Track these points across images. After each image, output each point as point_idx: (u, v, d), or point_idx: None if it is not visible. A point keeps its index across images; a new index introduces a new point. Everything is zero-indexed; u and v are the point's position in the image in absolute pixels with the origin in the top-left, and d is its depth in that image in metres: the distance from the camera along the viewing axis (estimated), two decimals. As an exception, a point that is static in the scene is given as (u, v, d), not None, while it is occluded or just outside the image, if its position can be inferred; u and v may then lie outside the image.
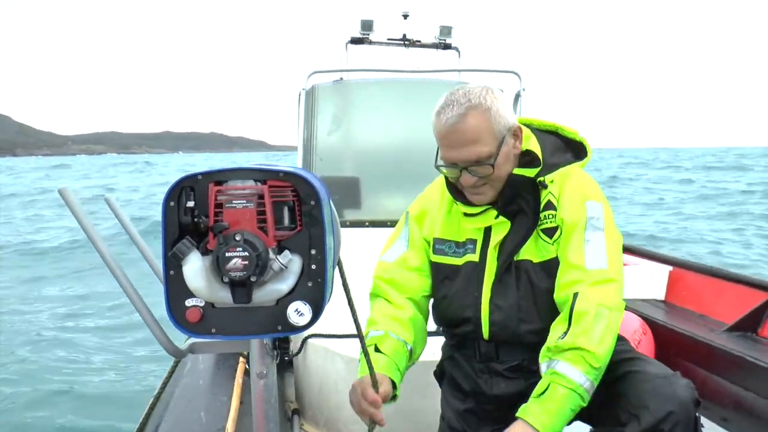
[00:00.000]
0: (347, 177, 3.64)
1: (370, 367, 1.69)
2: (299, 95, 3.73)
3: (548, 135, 1.96)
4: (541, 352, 1.74)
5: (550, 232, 1.83)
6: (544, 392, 1.66)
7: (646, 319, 3.68)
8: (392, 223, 3.14)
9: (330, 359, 2.74)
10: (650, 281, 4.19)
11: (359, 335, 1.60)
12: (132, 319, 8.00)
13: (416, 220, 2.03)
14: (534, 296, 1.84)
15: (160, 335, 1.35)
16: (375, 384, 1.73)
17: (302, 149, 3.56)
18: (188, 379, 2.69)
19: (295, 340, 3.05)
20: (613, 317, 1.70)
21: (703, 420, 3.09)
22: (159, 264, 1.32)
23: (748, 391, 2.96)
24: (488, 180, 1.81)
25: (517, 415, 1.67)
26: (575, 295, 1.72)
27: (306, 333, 2.86)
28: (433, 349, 2.44)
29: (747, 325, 3.41)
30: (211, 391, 2.56)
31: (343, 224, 3.08)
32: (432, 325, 2.08)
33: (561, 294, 1.78)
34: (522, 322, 1.86)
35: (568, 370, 1.66)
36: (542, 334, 1.82)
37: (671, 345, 3.36)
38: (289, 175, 1.27)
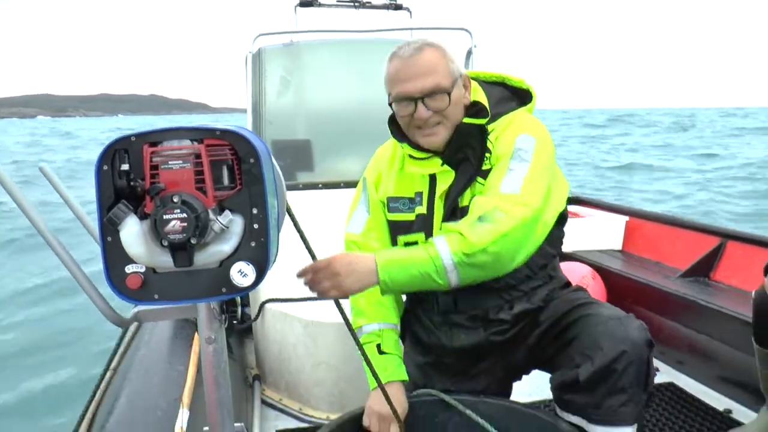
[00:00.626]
0: (299, 140, 3.60)
1: (390, 404, 1.74)
2: (246, 58, 3.66)
3: (495, 86, 1.96)
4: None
5: (485, 174, 1.82)
6: (410, 245, 1.74)
7: (603, 269, 3.74)
8: (346, 185, 3.13)
9: (288, 323, 2.74)
10: (607, 232, 4.25)
11: (363, 355, 1.69)
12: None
13: (374, 184, 2.02)
14: None
15: (102, 305, 1.32)
16: (401, 424, 1.80)
17: (251, 113, 3.50)
18: (145, 351, 2.65)
19: (253, 305, 3.03)
20: (506, 222, 1.63)
21: (660, 364, 3.17)
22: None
23: (701, 334, 3.04)
24: (442, 117, 1.79)
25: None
26: (474, 197, 1.76)
27: (263, 297, 2.85)
28: None
29: (700, 270, 3.50)
30: (168, 361, 2.53)
31: (297, 187, 3.05)
32: None
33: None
34: None
35: (439, 241, 1.64)
36: (498, 279, 1.83)
37: (627, 293, 3.42)
38: (226, 134, 1.24)
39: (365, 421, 1.81)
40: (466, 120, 1.83)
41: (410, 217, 1.93)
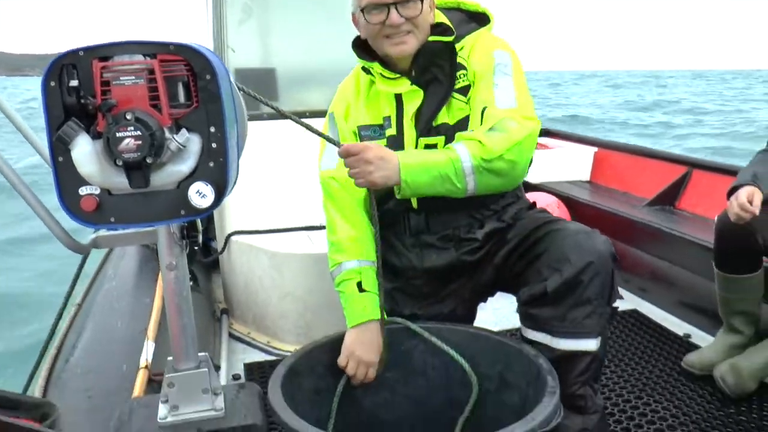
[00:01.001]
0: (263, 68, 3.50)
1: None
2: None
3: (451, 11, 1.96)
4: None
5: (464, 91, 1.83)
6: (430, 147, 1.76)
7: (570, 199, 3.76)
8: (311, 114, 3.05)
9: (254, 255, 2.71)
10: (576, 163, 4.26)
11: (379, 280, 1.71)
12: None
13: (343, 117, 1.98)
14: None
15: (58, 230, 1.28)
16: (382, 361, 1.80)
17: (213, 40, 3.39)
18: (109, 285, 2.62)
19: (219, 239, 3.00)
20: (517, 131, 1.70)
21: (624, 292, 3.23)
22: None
23: (663, 261, 3.09)
24: (413, 26, 1.79)
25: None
26: (484, 108, 1.76)
27: (229, 230, 2.81)
28: None
29: (665, 199, 3.54)
30: (133, 295, 2.51)
31: (260, 117, 2.97)
32: None
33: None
34: None
35: (459, 146, 1.69)
36: (469, 198, 1.83)
37: (594, 222, 3.43)
38: (180, 48, 1.18)
39: (341, 362, 1.80)
40: (433, 38, 1.83)
41: (381, 142, 1.90)
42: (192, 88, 1.19)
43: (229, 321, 2.93)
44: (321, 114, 2.10)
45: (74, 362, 1.91)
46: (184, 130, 1.18)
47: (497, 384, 1.78)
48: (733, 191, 2.14)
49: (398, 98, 1.87)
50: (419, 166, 1.67)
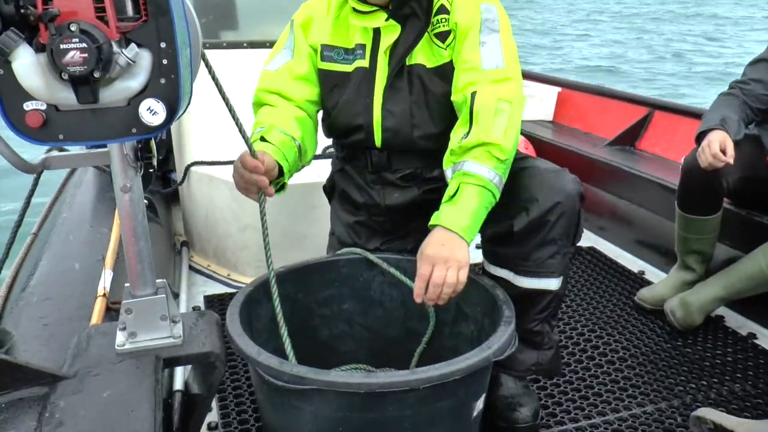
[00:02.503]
0: None
1: (246, 140, 1.57)
2: None
3: None
4: (444, 158, 1.70)
5: (443, 36, 1.77)
6: (455, 194, 1.61)
7: (533, 138, 3.77)
8: (271, 44, 2.97)
9: (215, 187, 2.67)
10: (539, 103, 4.25)
11: (235, 120, 1.51)
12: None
13: (302, 27, 1.90)
14: (427, 101, 1.81)
15: (6, 150, 1.22)
16: (253, 153, 1.62)
17: None
18: (67, 214, 2.56)
19: (179, 170, 2.94)
20: (514, 111, 1.67)
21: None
22: None
23: (621, 199, 3.14)
24: None
25: (431, 224, 1.61)
26: (473, 94, 1.68)
27: (188, 161, 2.76)
28: (319, 171, 2.41)
29: (626, 139, 3.57)
30: (91, 224, 2.45)
31: (220, 46, 2.88)
32: (318, 148, 2.02)
33: (458, 96, 1.74)
34: (415, 128, 1.83)
35: (476, 167, 1.61)
36: (435, 140, 1.82)
37: (556, 161, 3.45)
38: None
39: (234, 178, 1.69)
40: None
41: (346, 68, 1.85)
42: (140, 0, 1.13)
43: (189, 254, 2.91)
44: (282, 45, 2.03)
45: (30, 291, 1.87)
46: (133, 45, 1.13)
47: (454, 315, 1.80)
48: (701, 136, 2.15)
49: (376, 30, 1.80)
50: (473, 219, 1.58)
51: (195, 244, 2.93)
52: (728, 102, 2.27)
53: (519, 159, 1.84)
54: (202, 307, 2.50)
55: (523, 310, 1.71)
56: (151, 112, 1.14)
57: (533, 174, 1.75)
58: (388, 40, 1.79)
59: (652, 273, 2.79)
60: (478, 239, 1.87)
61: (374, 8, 1.78)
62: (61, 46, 1.06)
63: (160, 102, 1.14)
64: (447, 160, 1.70)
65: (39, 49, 1.11)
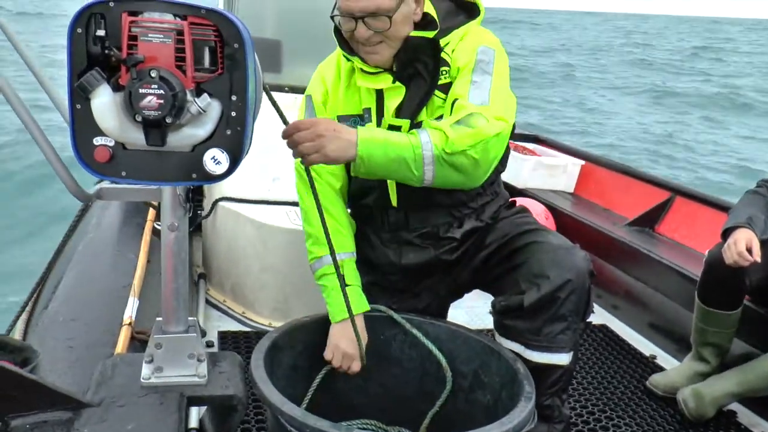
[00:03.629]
0: (269, 39, 3.46)
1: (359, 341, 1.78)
2: None
3: (440, 1, 1.90)
4: None
5: (445, 88, 1.80)
6: (392, 129, 1.71)
7: (553, 209, 3.81)
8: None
9: (240, 224, 2.70)
10: (562, 174, 4.30)
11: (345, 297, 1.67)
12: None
13: (322, 102, 1.94)
14: None
15: (66, 176, 1.27)
16: (363, 358, 1.81)
17: (223, 5, 3.36)
18: (93, 235, 2.59)
19: (206, 203, 2.98)
20: (486, 127, 1.65)
21: (595, 306, 3.27)
22: (62, 96, 1.22)
23: (638, 281, 3.15)
24: (384, 37, 1.74)
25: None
26: (454, 101, 1.73)
27: (217, 195, 2.80)
28: None
29: (646, 221, 3.59)
30: (117, 248, 2.49)
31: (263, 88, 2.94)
32: None
33: None
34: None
35: (423, 132, 1.65)
36: (449, 194, 1.85)
37: (575, 234, 3.49)
38: (211, 13, 1.18)
39: (327, 356, 1.80)
40: (414, 33, 1.78)
41: None
42: (218, 54, 1.19)
43: (206, 286, 2.93)
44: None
45: (55, 309, 1.89)
46: (205, 95, 1.18)
47: (471, 382, 1.81)
48: (727, 232, 2.18)
49: (379, 92, 1.83)
50: (378, 143, 1.61)
51: (212, 278, 2.96)
52: (755, 200, 2.30)
53: (532, 231, 1.87)
54: (215, 343, 2.51)
55: (534, 383, 1.72)
56: (215, 161, 1.19)
57: (546, 249, 1.78)
58: (393, 102, 1.82)
59: (664, 358, 2.79)
60: (488, 305, 1.89)
61: (379, 70, 1.81)
62: (140, 90, 1.12)
63: (225, 152, 1.19)
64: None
65: (116, 88, 1.17)
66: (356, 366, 1.80)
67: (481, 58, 1.78)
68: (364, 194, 1.95)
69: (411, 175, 1.65)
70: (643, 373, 2.60)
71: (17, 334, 1.80)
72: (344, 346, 1.78)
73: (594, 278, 1.78)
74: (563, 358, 1.78)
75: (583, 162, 4.35)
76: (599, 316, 3.19)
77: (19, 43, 1.42)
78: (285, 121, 1.56)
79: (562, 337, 1.76)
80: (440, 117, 1.80)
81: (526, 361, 1.75)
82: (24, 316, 1.92)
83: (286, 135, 1.57)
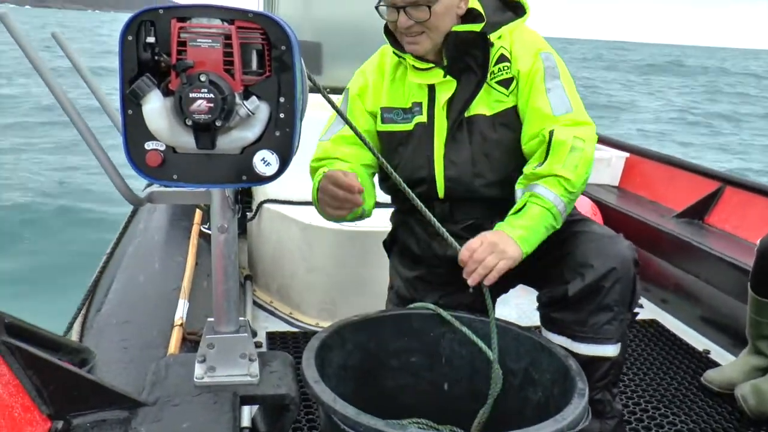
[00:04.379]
0: (309, 42, 3.49)
1: (367, 145, 1.69)
2: None
3: None
4: (518, 180, 1.80)
5: (506, 83, 1.83)
6: (520, 210, 1.72)
7: (598, 203, 3.75)
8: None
9: (285, 225, 2.72)
10: (606, 167, 4.24)
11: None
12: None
13: (358, 96, 1.97)
14: (487, 149, 1.86)
15: (119, 181, 1.30)
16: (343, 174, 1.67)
17: (263, 8, 3.40)
18: (142, 238, 2.65)
19: (253, 206, 3.02)
20: (587, 148, 1.74)
21: (644, 301, 3.22)
22: (114, 105, 1.25)
23: (688, 274, 3.08)
24: (425, 27, 1.77)
25: (495, 228, 1.72)
26: (552, 131, 1.75)
27: (262, 197, 2.83)
28: (382, 220, 2.45)
29: (695, 213, 3.51)
30: (165, 251, 2.54)
31: None
32: (380, 196, 2.05)
33: (532, 142, 1.81)
34: (476, 176, 1.87)
35: (544, 191, 1.71)
36: (496, 188, 1.86)
37: (620, 228, 3.41)
38: (259, 17, 1.19)
39: (323, 199, 1.72)
40: (459, 27, 1.81)
41: (407, 127, 1.91)
42: (266, 57, 1.20)
43: (252, 287, 2.96)
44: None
45: (109, 311, 1.94)
46: (254, 98, 1.20)
47: (522, 379, 1.79)
48: None
49: (430, 86, 1.87)
50: (531, 232, 1.69)
51: (259, 279, 2.99)
52: None
53: (576, 221, 1.86)
54: (264, 343, 2.54)
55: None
56: (265, 163, 1.20)
57: (589, 239, 1.77)
58: (444, 95, 1.85)
59: (718, 353, 2.72)
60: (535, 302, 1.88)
61: (431, 65, 1.84)
62: (190, 95, 1.14)
63: (274, 153, 1.20)
64: (519, 182, 1.80)
65: (166, 93, 1.19)
66: (358, 200, 1.67)
67: (547, 65, 1.83)
68: (411, 187, 1.94)
69: (555, 228, 1.74)
70: (697, 368, 2.54)
71: (74, 336, 1.85)
72: (329, 177, 1.68)
73: (639, 267, 1.76)
74: (610, 350, 1.76)
75: (627, 154, 4.28)
76: (649, 310, 3.13)
77: (73, 52, 1.46)
78: (362, 139, 1.64)
79: (608, 327, 1.74)
80: (504, 112, 1.84)
81: (574, 355, 1.72)
82: (80, 319, 1.97)
83: (465, 259, 1.66)
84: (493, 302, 2.10)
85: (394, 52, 1.90)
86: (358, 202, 1.67)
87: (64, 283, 5.08)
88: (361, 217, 1.88)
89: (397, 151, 1.94)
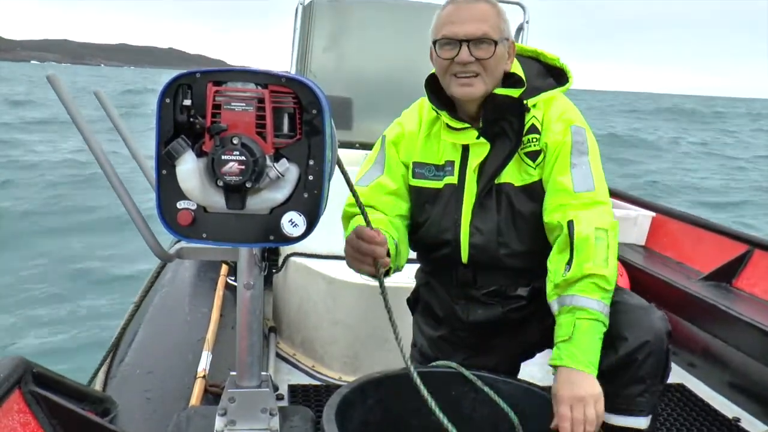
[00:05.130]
0: (340, 97, 3.57)
1: (363, 212, 1.63)
2: (296, 10, 3.63)
3: (530, 60, 1.94)
4: (548, 290, 1.74)
5: (534, 156, 1.82)
6: (572, 333, 1.65)
7: (625, 263, 3.72)
8: (382, 146, 3.10)
9: (311, 279, 2.75)
10: (633, 226, 4.21)
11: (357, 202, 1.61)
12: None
13: (393, 144, 1.96)
14: (514, 220, 1.84)
15: (149, 237, 1.33)
16: (369, 225, 1.65)
17: (295, 65, 3.49)
18: (168, 289, 2.68)
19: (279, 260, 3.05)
20: (611, 237, 1.71)
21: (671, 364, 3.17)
22: (150, 164, 1.29)
23: (716, 339, 3.03)
24: (482, 68, 1.76)
25: (552, 363, 1.67)
26: (570, 223, 1.71)
27: (288, 251, 2.87)
28: (406, 276, 2.46)
29: (723, 276, 3.46)
30: (191, 303, 2.57)
31: None
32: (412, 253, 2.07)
33: (552, 217, 1.76)
34: (501, 246, 1.85)
35: (587, 302, 1.66)
36: (521, 258, 1.84)
37: (647, 289, 3.39)
38: (291, 82, 1.23)
39: (347, 252, 1.70)
40: (500, 90, 1.80)
41: (437, 185, 1.90)
42: (297, 120, 1.24)
43: (276, 339, 2.97)
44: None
45: (133, 362, 1.96)
46: (284, 160, 1.23)
47: (544, 443, 1.77)
48: None
49: (464, 147, 1.86)
50: (593, 353, 1.64)
51: (283, 331, 3.00)
52: None
53: None
54: (286, 396, 2.54)
55: None
56: (292, 224, 1.23)
57: (622, 310, 1.74)
58: (476, 158, 1.84)
59: (748, 421, 2.65)
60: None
61: (466, 126, 1.83)
62: (223, 157, 1.17)
63: (302, 215, 1.23)
64: (552, 292, 1.73)
65: (199, 154, 1.23)
66: (379, 250, 1.65)
67: (577, 139, 1.80)
68: (435, 248, 1.94)
69: (606, 327, 1.69)
70: (726, 437, 2.48)
71: (98, 385, 1.87)
72: (354, 234, 1.68)
73: (671, 339, 1.73)
74: (642, 422, 1.72)
75: (654, 214, 4.26)
76: (675, 375, 3.06)
77: (113, 111, 1.52)
78: (367, 222, 1.63)
79: (640, 399, 1.71)
80: (531, 186, 1.82)
81: (604, 424, 1.69)
82: (104, 368, 2.00)
83: (567, 428, 1.60)
84: (519, 365, 2.08)
85: (432, 108, 1.89)
86: (380, 254, 1.65)
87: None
88: (393, 270, 1.85)
89: (425, 208, 1.93)
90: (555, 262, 1.73)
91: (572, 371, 1.61)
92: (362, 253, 1.66)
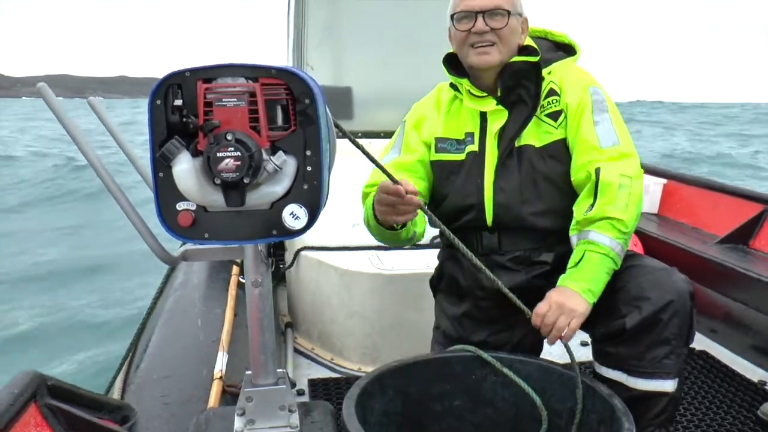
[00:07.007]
0: (339, 87, 3.55)
1: (391, 178, 1.63)
2: (288, 1, 3.61)
3: (539, 39, 2.03)
4: (571, 226, 1.83)
5: (555, 116, 1.90)
6: (580, 261, 1.75)
7: (638, 232, 3.67)
8: (385, 135, 3.07)
9: (323, 272, 2.73)
10: (644, 194, 4.14)
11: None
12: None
13: (414, 126, 2.04)
14: (535, 179, 1.89)
15: (152, 242, 1.32)
16: (393, 181, 1.65)
17: (292, 57, 3.47)
18: (181, 292, 2.68)
19: (288, 253, 3.03)
20: (635, 185, 1.77)
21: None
22: (147, 168, 1.28)
23: (737, 302, 2.98)
24: (497, 37, 1.85)
25: (558, 284, 1.76)
26: (597, 170, 1.78)
27: (299, 245, 2.85)
28: (420, 262, 2.43)
29: (739, 237, 3.41)
30: (204, 304, 2.56)
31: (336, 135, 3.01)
32: (425, 238, 2.07)
33: (580, 174, 1.84)
34: (524, 204, 1.89)
35: (600, 237, 1.74)
36: (543, 217, 1.89)
37: (663, 257, 3.32)
38: (281, 72, 1.21)
39: (377, 209, 1.74)
40: (517, 58, 1.89)
41: (460, 157, 1.96)
42: (290, 111, 1.22)
43: (293, 335, 2.96)
44: (394, 135, 2.12)
45: (149, 367, 1.96)
46: (281, 153, 1.21)
47: (567, 420, 1.74)
48: None
49: (482, 116, 1.94)
50: (594, 282, 1.72)
51: (300, 326, 2.99)
52: None
53: (627, 256, 1.83)
54: (306, 390, 2.53)
55: (638, 414, 1.65)
56: (294, 217, 1.21)
57: (643, 272, 1.76)
58: (496, 125, 1.91)
59: (775, 384, 2.62)
60: (584, 336, 1.84)
61: (485, 94, 1.92)
62: (218, 154, 1.16)
63: (303, 207, 1.21)
64: (572, 228, 1.82)
65: (195, 154, 1.21)
66: (405, 188, 1.65)
67: (596, 98, 1.89)
68: (460, 214, 1.97)
69: (617, 268, 1.77)
70: (753, 401, 2.44)
71: (116, 393, 1.87)
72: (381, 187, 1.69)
73: (694, 301, 1.73)
74: (669, 385, 1.71)
75: (665, 180, 4.20)
76: (697, 341, 3.02)
77: (108, 119, 1.50)
78: (393, 179, 1.63)
79: (666, 362, 1.70)
80: (552, 145, 1.89)
81: (630, 390, 1.71)
82: (121, 375, 1.99)
83: (537, 324, 1.72)
84: (542, 340, 2.07)
85: (450, 84, 2.00)
86: (413, 202, 1.66)
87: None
88: (411, 239, 1.96)
89: (449, 180, 1.98)
90: (580, 205, 1.82)
91: (568, 289, 1.72)
92: (389, 204, 1.69)
